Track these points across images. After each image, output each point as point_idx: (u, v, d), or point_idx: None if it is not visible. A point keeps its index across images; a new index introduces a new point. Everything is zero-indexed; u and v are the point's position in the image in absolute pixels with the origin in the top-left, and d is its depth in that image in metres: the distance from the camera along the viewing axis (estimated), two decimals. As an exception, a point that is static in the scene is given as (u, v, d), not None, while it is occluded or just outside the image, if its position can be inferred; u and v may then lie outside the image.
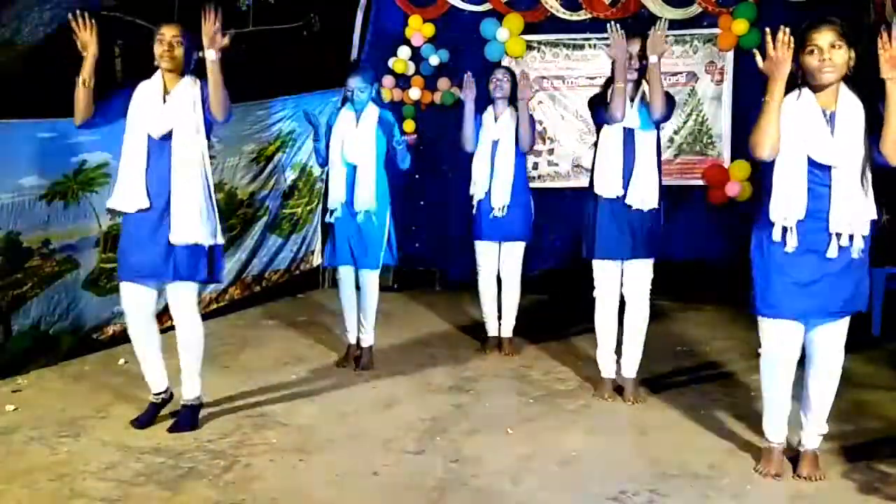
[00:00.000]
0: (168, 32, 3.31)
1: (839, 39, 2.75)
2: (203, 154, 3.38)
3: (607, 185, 3.79)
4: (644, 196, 3.77)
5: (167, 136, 3.32)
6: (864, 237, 2.84)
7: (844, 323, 2.97)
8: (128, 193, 3.34)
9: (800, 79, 2.86)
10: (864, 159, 2.82)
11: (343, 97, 4.53)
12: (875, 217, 2.87)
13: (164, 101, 3.35)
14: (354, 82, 4.22)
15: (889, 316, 4.92)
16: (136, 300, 3.41)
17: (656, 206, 3.82)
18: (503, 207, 4.53)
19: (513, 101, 4.53)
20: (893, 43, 2.63)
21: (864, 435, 3.48)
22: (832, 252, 2.83)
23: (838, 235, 2.82)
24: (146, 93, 3.37)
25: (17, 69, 4.52)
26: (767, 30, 2.77)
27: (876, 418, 3.71)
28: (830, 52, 2.75)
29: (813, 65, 2.78)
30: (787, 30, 2.71)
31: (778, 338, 2.97)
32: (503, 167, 4.54)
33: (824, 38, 2.75)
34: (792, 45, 2.71)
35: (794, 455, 3.11)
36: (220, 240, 3.47)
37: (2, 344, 4.17)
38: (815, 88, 2.85)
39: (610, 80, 3.78)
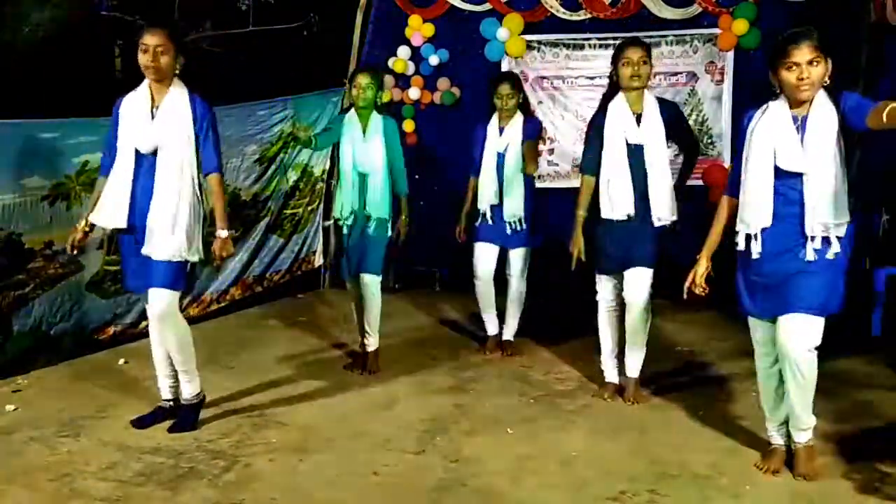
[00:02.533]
0: (151, 41, 3.18)
1: (817, 54, 2.76)
2: (191, 167, 3.30)
3: (617, 207, 3.73)
4: (665, 211, 3.75)
5: (156, 152, 3.26)
6: (839, 238, 2.85)
7: (807, 321, 2.86)
8: (109, 210, 3.30)
9: (778, 89, 2.89)
10: (839, 162, 2.82)
11: (347, 107, 4.45)
12: (848, 219, 2.86)
13: (153, 114, 3.27)
14: (363, 79, 4.16)
15: (889, 316, 4.90)
16: (147, 307, 3.38)
17: (674, 218, 3.79)
18: (519, 220, 4.51)
19: (520, 107, 4.49)
20: None
21: (864, 435, 3.48)
22: (809, 255, 2.85)
23: (812, 238, 2.85)
24: (133, 106, 3.30)
25: (17, 69, 4.53)
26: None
27: (876, 418, 3.70)
28: (808, 69, 2.77)
29: (792, 82, 2.81)
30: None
31: (756, 335, 3.09)
32: (513, 178, 4.47)
33: (803, 54, 2.75)
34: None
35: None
36: (194, 257, 3.35)
37: (2, 344, 4.17)
38: (791, 98, 2.88)
39: (608, 93, 3.80)
